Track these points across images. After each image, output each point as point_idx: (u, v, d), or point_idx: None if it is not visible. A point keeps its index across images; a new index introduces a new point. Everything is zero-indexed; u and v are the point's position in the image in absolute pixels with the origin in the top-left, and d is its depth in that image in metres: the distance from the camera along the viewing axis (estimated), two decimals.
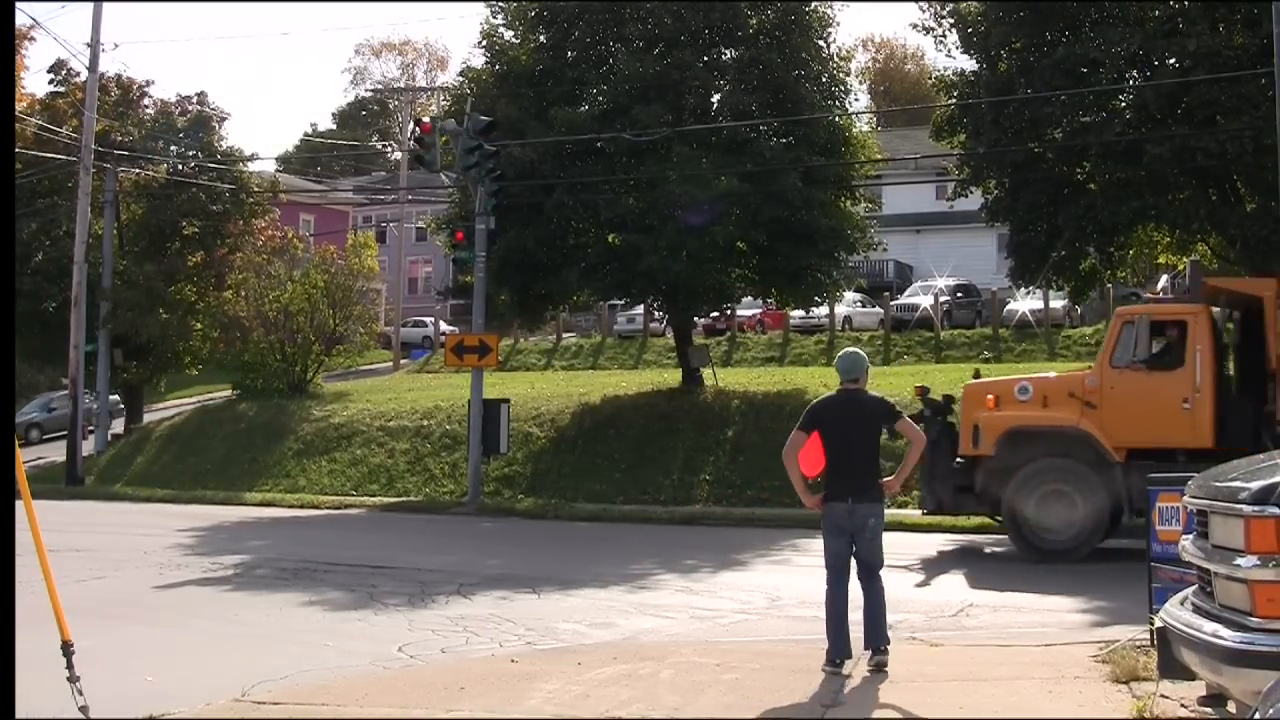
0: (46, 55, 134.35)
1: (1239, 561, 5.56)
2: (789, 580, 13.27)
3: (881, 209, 39.18)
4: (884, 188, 40.31)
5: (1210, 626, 5.68)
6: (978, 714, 7.12)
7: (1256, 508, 5.50)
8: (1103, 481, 14.19)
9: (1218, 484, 6.07)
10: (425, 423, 26.61)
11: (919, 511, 16.60)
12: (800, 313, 31.41)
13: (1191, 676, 6.23)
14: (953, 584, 13.21)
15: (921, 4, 21.80)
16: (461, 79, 26.91)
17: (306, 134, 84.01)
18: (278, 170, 55.93)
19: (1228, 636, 5.51)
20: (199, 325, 33.99)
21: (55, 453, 32.41)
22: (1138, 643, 8.17)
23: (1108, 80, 19.04)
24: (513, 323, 33.24)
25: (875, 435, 8.45)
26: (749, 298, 30.76)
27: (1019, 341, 31.89)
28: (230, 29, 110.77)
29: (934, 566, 14.53)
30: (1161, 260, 25.28)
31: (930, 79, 25.69)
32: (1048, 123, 19.56)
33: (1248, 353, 15.04)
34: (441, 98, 42.71)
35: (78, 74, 33.83)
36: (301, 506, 23.47)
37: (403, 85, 72.11)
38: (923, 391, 17.03)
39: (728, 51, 24.85)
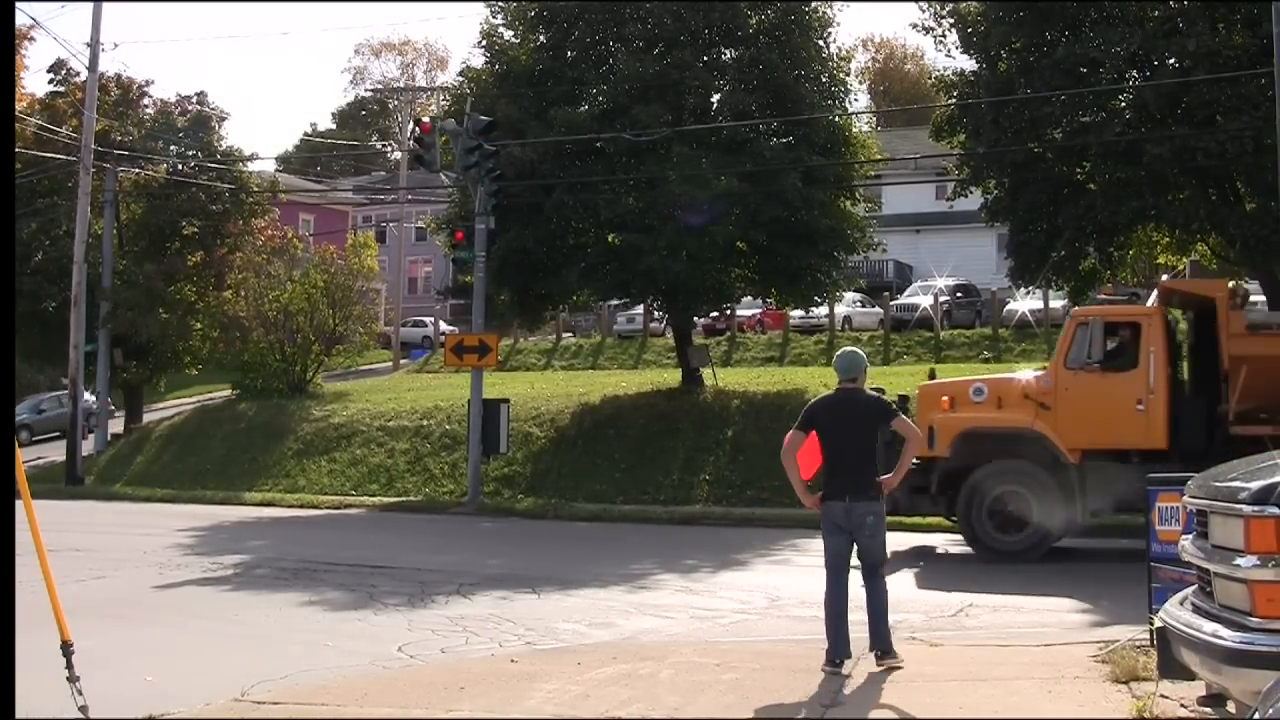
0: (46, 55, 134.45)
1: (1239, 561, 5.56)
2: (789, 580, 13.27)
3: (881, 209, 39.22)
4: (884, 188, 40.34)
5: (1210, 626, 5.68)
6: (977, 714, 7.12)
7: (1256, 508, 5.50)
8: (1057, 483, 14.25)
9: (1217, 484, 6.08)
10: (425, 423, 26.61)
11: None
12: (800, 313, 31.42)
13: (1191, 676, 6.24)
14: (952, 584, 13.19)
15: (921, 4, 21.78)
16: (461, 79, 26.91)
17: (306, 134, 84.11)
18: (277, 170, 55.97)
19: (1227, 636, 5.51)
20: (199, 325, 33.98)
21: (53, 453, 32.42)
22: (1137, 643, 8.17)
23: (1108, 80, 19.04)
24: (512, 323, 33.24)
25: (872, 434, 8.46)
26: (749, 298, 30.76)
27: (1019, 341, 31.90)
28: (230, 29, 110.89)
29: (934, 566, 14.53)
30: (1161, 260, 25.29)
31: (930, 79, 25.68)
32: (1048, 123, 19.56)
33: (1201, 354, 15.10)
34: (441, 98, 42.70)
35: (77, 74, 33.85)
36: (301, 506, 23.47)
37: (402, 85, 72.13)
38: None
39: (728, 51, 24.85)
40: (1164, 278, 19.47)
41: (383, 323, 43.43)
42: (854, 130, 25.86)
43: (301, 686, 8.32)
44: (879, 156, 28.20)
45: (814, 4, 25.00)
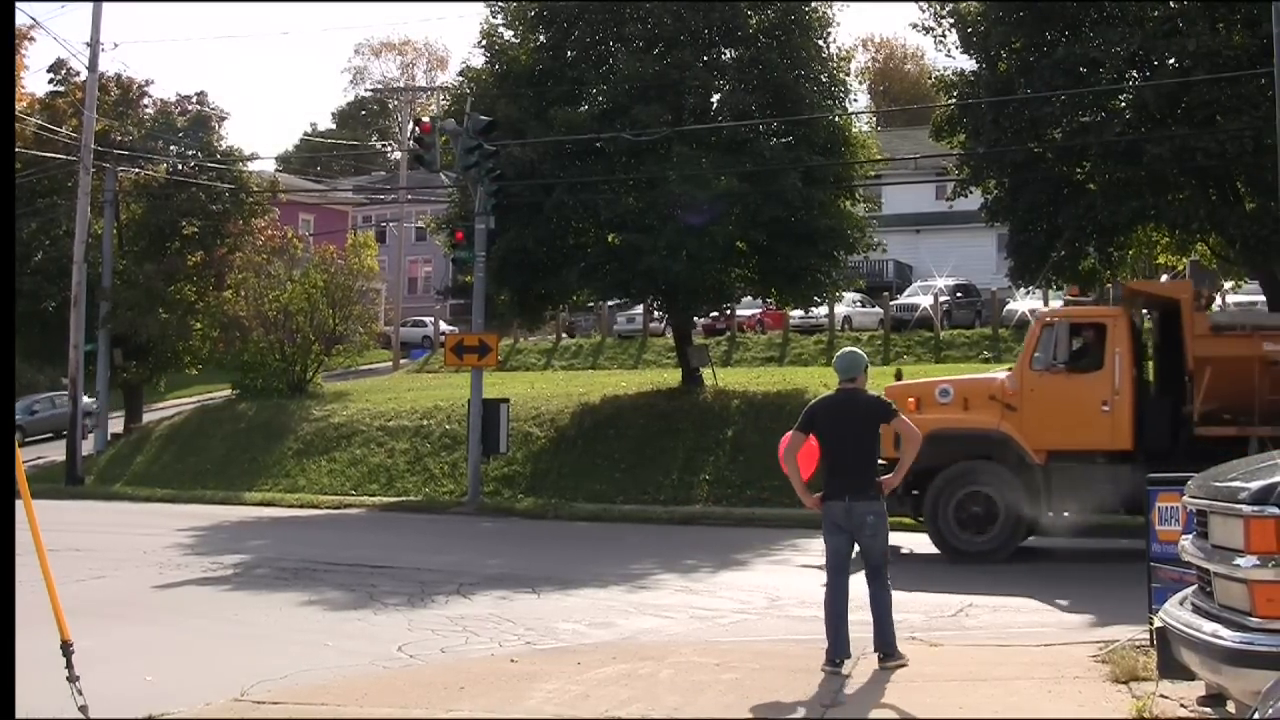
0: (46, 55, 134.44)
1: (1238, 561, 5.56)
2: (789, 580, 13.28)
3: (881, 209, 39.21)
4: (884, 188, 40.33)
5: (1210, 626, 5.69)
6: (977, 714, 7.12)
7: (1256, 508, 5.50)
8: (1023, 484, 14.28)
9: (1217, 484, 6.08)
10: (425, 422, 26.61)
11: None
12: (800, 313, 31.41)
13: (1191, 676, 6.24)
14: (952, 584, 13.19)
15: (921, 4, 21.78)
16: (461, 79, 26.91)
17: (306, 134, 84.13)
18: (277, 170, 55.96)
19: (1227, 636, 5.51)
20: (199, 325, 33.97)
21: (51, 453, 32.43)
22: (1137, 643, 8.17)
23: (1108, 80, 19.04)
24: (512, 323, 33.24)
25: (872, 434, 8.46)
26: (749, 298, 30.76)
27: (1019, 341, 31.78)
28: (230, 29, 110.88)
29: (933, 566, 14.53)
30: (1161, 260, 25.28)
31: (930, 79, 25.67)
32: (1047, 123, 19.56)
33: (1166, 355, 15.14)
34: (441, 97, 42.70)
35: (77, 74, 33.85)
36: (301, 506, 23.47)
37: (402, 85, 72.09)
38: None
39: (727, 51, 24.85)
40: (1164, 278, 19.50)
41: (383, 322, 43.43)
42: (854, 130, 25.85)
43: (301, 686, 8.32)
44: (879, 156, 28.20)
45: (814, 4, 25.00)
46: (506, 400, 23.34)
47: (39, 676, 6.98)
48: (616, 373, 33.11)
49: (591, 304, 33.49)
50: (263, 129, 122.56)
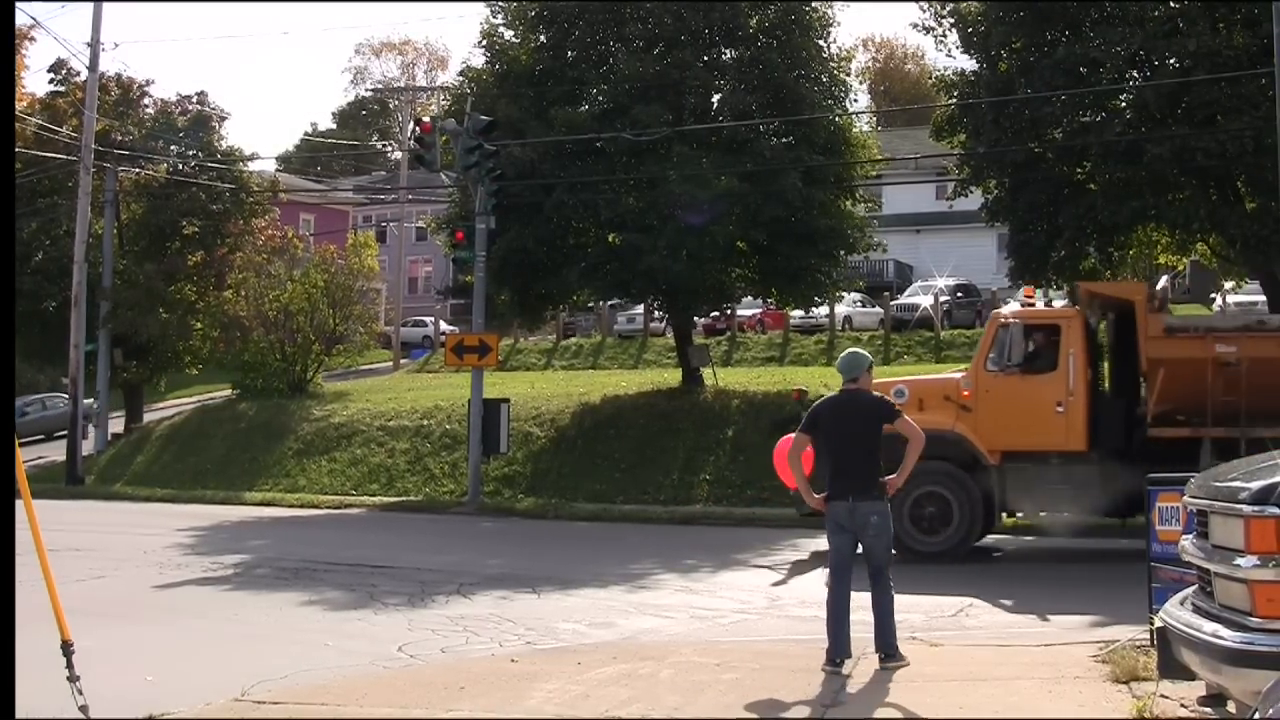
0: (47, 55, 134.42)
1: (1239, 561, 5.56)
2: (789, 580, 13.27)
3: (881, 209, 39.21)
4: (884, 188, 40.32)
5: (1210, 626, 5.68)
6: (978, 714, 7.12)
7: (1256, 508, 5.50)
8: (977, 484, 14.30)
9: (1218, 484, 6.08)
10: (425, 422, 26.62)
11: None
12: (800, 313, 31.41)
13: (1191, 676, 6.24)
14: (952, 584, 13.19)
15: (921, 4, 21.81)
16: (461, 79, 26.91)
17: (306, 134, 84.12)
18: (278, 170, 55.94)
19: (1228, 636, 5.51)
20: (199, 325, 33.98)
21: (54, 453, 32.44)
22: (1138, 643, 8.17)
23: (1108, 80, 19.04)
24: (513, 322, 33.24)
25: (875, 434, 8.46)
26: (749, 298, 30.76)
27: None
28: (230, 29, 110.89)
29: (933, 567, 14.51)
30: (1161, 260, 25.30)
31: (930, 79, 25.70)
32: (1048, 122, 19.57)
33: (1121, 356, 15.16)
34: (441, 97, 42.76)
35: (78, 73, 33.84)
36: (301, 506, 23.47)
37: (403, 85, 72.06)
38: (800, 395, 17.15)
39: (728, 51, 24.85)
40: (1164, 278, 19.50)
41: (383, 322, 43.43)
42: (854, 130, 25.85)
43: (301, 686, 8.32)
44: (879, 156, 28.20)
45: (814, 4, 25.01)
46: (507, 400, 23.35)
47: (39, 676, 6.98)
48: (617, 373, 33.11)
49: (592, 304, 33.50)
50: (263, 129, 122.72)
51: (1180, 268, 30.47)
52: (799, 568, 14.47)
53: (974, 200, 22.75)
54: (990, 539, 16.64)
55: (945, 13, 21.47)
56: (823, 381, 22.65)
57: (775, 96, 24.08)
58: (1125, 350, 14.78)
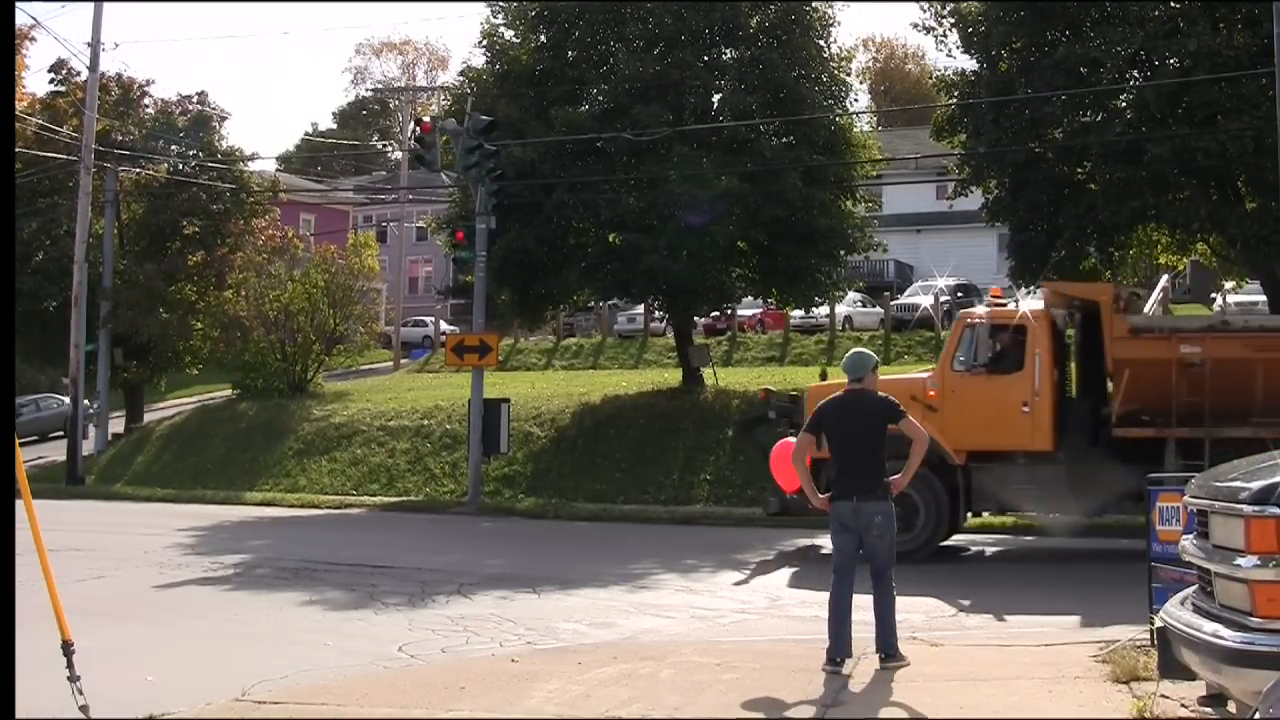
0: (47, 55, 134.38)
1: (1239, 561, 5.55)
2: (789, 580, 13.27)
3: (882, 209, 39.21)
4: (884, 188, 40.32)
5: (1210, 626, 5.68)
6: (978, 714, 7.12)
7: (1257, 508, 5.50)
8: (943, 484, 14.30)
9: (1218, 484, 6.07)
10: (425, 422, 26.62)
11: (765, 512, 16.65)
12: (800, 312, 31.40)
13: (1192, 676, 6.23)
14: (952, 584, 13.19)
15: (922, 4, 21.78)
16: (462, 79, 26.91)
17: (307, 133, 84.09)
18: (278, 170, 55.92)
19: (1228, 636, 5.51)
20: (199, 325, 33.97)
21: (55, 453, 32.44)
22: (1138, 643, 8.17)
23: (1108, 80, 19.03)
24: (513, 322, 33.25)
25: (880, 434, 8.46)
26: (749, 297, 30.75)
27: None
28: (230, 29, 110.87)
29: (934, 567, 14.51)
30: (1162, 260, 25.28)
31: (931, 79, 25.68)
32: (1048, 122, 19.56)
33: (1087, 356, 15.19)
34: (442, 97, 42.75)
35: (78, 73, 33.83)
36: (302, 506, 23.47)
37: (403, 85, 72.14)
38: (768, 394, 17.20)
39: (728, 51, 24.85)
40: (1165, 277, 19.51)
41: (383, 322, 43.43)
42: (854, 130, 25.84)
43: (302, 686, 8.32)
44: (879, 156, 28.20)
45: (814, 4, 25.00)
46: (507, 400, 23.34)
47: (39, 676, 6.98)
48: (617, 373, 33.11)
49: (592, 304, 33.49)
50: (263, 129, 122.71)
51: (1181, 268, 30.48)
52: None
53: (974, 200, 22.74)
54: (990, 538, 16.68)
55: (945, 13, 21.45)
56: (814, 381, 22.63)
57: (775, 96, 24.08)
58: (1092, 350, 14.81)
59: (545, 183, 23.27)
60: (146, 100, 36.93)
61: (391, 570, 14.04)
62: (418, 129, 23.62)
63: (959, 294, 37.58)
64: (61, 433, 37.04)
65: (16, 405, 37.34)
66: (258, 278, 33.26)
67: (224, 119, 37.12)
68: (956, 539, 16.58)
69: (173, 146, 35.63)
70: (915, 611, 10.74)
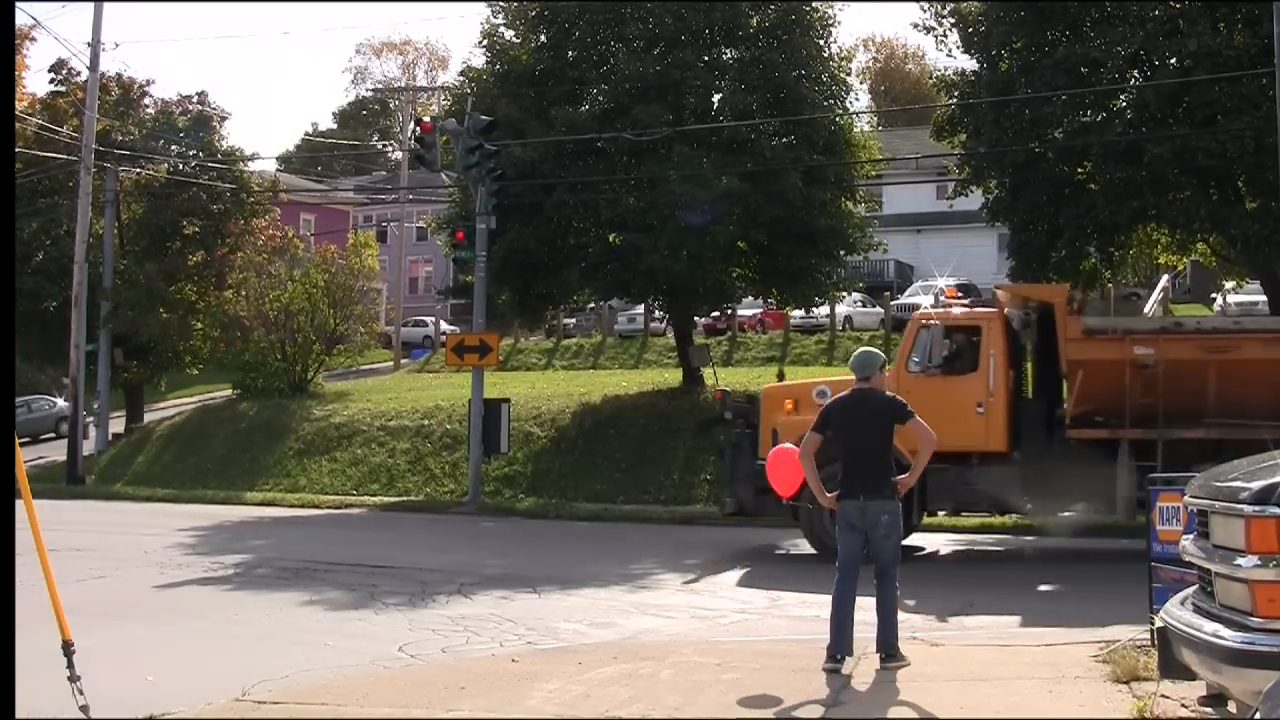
0: (47, 55, 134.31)
1: (1239, 561, 5.55)
2: (789, 580, 13.26)
3: (882, 209, 39.25)
4: (885, 187, 40.34)
5: (1211, 626, 5.68)
6: (978, 714, 7.12)
7: (1257, 508, 5.49)
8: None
9: (1218, 484, 6.07)
10: (426, 422, 26.62)
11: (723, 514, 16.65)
12: (800, 312, 31.40)
13: (1192, 676, 6.23)
14: (953, 584, 13.20)
15: (922, 4, 21.79)
16: (462, 79, 26.92)
17: (307, 133, 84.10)
18: (278, 170, 55.91)
19: (1228, 636, 5.51)
20: (199, 325, 33.98)
21: (55, 453, 32.44)
22: (1138, 643, 8.17)
23: (1108, 80, 19.04)
24: (513, 322, 33.25)
25: (887, 434, 8.47)
26: (749, 297, 30.74)
27: None
28: (230, 29, 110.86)
29: (934, 566, 14.53)
30: (1162, 260, 25.29)
31: (931, 79, 25.68)
32: (1048, 122, 19.55)
33: (1043, 357, 15.22)
34: (442, 97, 42.71)
35: (78, 73, 33.81)
36: (302, 506, 23.47)
37: (403, 85, 72.13)
38: (723, 395, 17.27)
39: (728, 51, 24.84)
40: (1165, 278, 19.53)
41: (383, 322, 43.44)
42: (855, 130, 25.84)
43: (302, 686, 8.32)
44: (880, 156, 28.20)
45: (814, 4, 25.00)
46: (507, 400, 23.34)
47: (39, 676, 6.98)
48: (617, 373, 33.12)
49: (592, 304, 33.50)
50: (263, 129, 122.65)
51: (1181, 268, 30.47)
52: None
53: (974, 200, 22.74)
54: (990, 538, 16.68)
55: (945, 13, 21.45)
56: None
57: (776, 96, 24.08)
58: (1047, 352, 14.84)
59: (545, 183, 23.27)
60: (146, 100, 36.93)
61: (392, 570, 14.04)
62: (418, 129, 23.61)
63: (959, 294, 37.56)
64: (53, 434, 37.21)
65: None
66: (258, 278, 33.27)
67: (224, 119, 37.09)
68: (957, 539, 16.62)
69: (173, 146, 35.62)
70: (916, 611, 10.75)
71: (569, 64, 24.81)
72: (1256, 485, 5.62)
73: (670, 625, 10.88)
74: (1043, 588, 12.73)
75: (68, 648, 6.81)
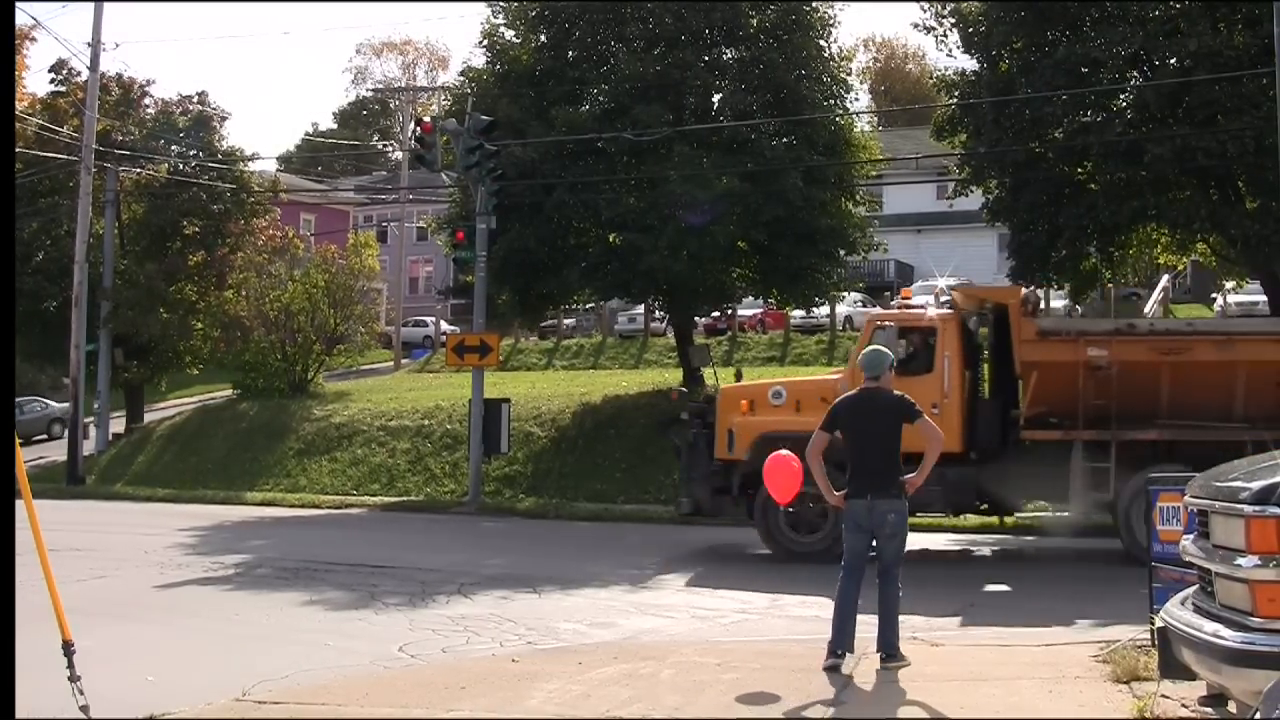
0: (47, 55, 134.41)
1: (1240, 561, 5.56)
2: (789, 580, 13.26)
3: (882, 209, 39.23)
4: (885, 187, 40.34)
5: (1211, 626, 5.68)
6: (979, 714, 7.12)
7: (1257, 508, 5.50)
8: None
9: (1219, 484, 6.07)
10: (426, 422, 26.62)
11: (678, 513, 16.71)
12: (801, 312, 31.41)
13: (1192, 676, 6.23)
14: (953, 584, 13.20)
15: (922, 4, 21.79)
16: (462, 79, 26.92)
17: (307, 133, 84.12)
18: (279, 170, 55.90)
19: (1228, 636, 5.51)
20: (200, 325, 33.98)
21: (55, 453, 32.44)
22: (1138, 643, 8.17)
23: (1108, 80, 19.04)
24: (513, 322, 33.25)
25: (894, 433, 8.47)
26: (749, 297, 30.73)
27: None
28: (231, 29, 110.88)
29: (934, 566, 14.52)
30: (1162, 260, 25.28)
31: (931, 79, 25.67)
32: (1048, 122, 19.56)
33: (1000, 359, 15.26)
34: (442, 97, 42.69)
35: (79, 73, 33.82)
36: (302, 506, 23.47)
37: (403, 85, 72.07)
38: (678, 395, 17.29)
39: (728, 51, 24.84)
40: (1165, 278, 19.53)
41: (384, 322, 43.45)
42: (855, 130, 25.84)
43: (302, 686, 8.32)
44: (880, 156, 28.20)
45: (815, 4, 25.00)
46: (508, 400, 23.34)
47: (39, 676, 6.98)
48: (617, 373, 33.13)
49: (591, 304, 33.49)
50: (264, 129, 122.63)
51: (1181, 268, 30.46)
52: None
53: (975, 200, 22.75)
54: (990, 538, 16.68)
55: (946, 13, 21.45)
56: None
57: (776, 96, 24.08)
58: (1004, 353, 14.89)
59: (546, 183, 23.27)
60: (147, 100, 36.92)
61: (392, 570, 14.04)
62: (418, 129, 23.60)
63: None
64: (45, 436, 37.19)
65: None
66: (258, 278, 33.27)
67: (224, 119, 37.09)
68: (957, 539, 16.61)
69: (173, 147, 35.62)
70: (915, 611, 10.74)
71: (569, 64, 24.81)
72: (1256, 485, 5.63)
73: (670, 625, 10.88)
74: (1043, 588, 12.72)
75: (68, 648, 6.81)
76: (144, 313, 31.67)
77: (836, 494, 8.52)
